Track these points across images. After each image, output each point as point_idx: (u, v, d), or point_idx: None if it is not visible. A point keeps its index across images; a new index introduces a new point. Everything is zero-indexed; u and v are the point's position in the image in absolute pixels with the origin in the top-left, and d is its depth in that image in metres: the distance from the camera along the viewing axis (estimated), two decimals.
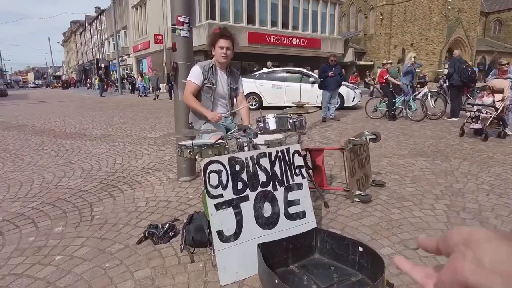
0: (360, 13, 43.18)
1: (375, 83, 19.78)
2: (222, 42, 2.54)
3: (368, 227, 2.46)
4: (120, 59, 29.86)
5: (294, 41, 25.61)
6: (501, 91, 5.63)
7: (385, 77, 8.24)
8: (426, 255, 2.07)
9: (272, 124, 2.19)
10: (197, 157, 2.13)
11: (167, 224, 2.42)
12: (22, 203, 3.12)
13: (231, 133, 2.21)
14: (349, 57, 33.04)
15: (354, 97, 10.64)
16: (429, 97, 8.50)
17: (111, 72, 37.49)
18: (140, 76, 21.56)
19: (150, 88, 19.70)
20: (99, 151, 5.15)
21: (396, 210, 2.75)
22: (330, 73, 8.11)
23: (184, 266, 2.03)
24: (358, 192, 2.91)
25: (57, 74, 71.23)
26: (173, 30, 3.17)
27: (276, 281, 1.53)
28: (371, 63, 40.12)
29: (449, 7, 34.27)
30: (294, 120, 2.26)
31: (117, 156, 4.80)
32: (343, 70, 8.75)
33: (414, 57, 8.45)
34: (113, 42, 36.47)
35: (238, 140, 2.06)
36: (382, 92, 8.52)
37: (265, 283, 1.70)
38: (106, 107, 13.33)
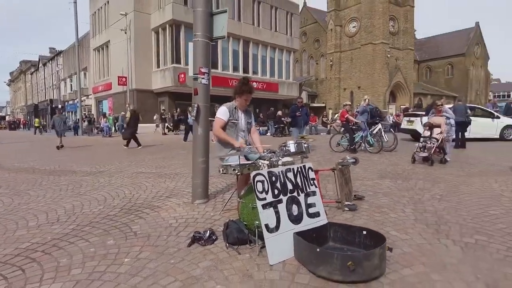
0: (311, 59, 47.14)
1: (331, 122, 21.73)
2: (249, 97, 3.39)
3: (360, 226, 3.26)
4: (77, 99, 29.49)
5: (254, 85, 26.84)
6: (439, 126, 7.03)
7: (345, 116, 9.55)
8: (406, 238, 2.90)
9: (292, 148, 2.99)
10: (237, 172, 2.85)
11: (209, 231, 3.02)
12: (60, 226, 3.49)
13: (263, 156, 2.96)
14: (304, 100, 35.63)
15: None
16: (383, 133, 9.90)
17: (66, 113, 36.41)
18: (103, 117, 21.53)
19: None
20: (101, 185, 5.53)
21: (377, 214, 3.61)
22: (297, 113, 9.26)
23: (234, 257, 2.64)
24: (347, 202, 3.74)
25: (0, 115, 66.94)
26: (195, 79, 3.94)
27: (318, 250, 2.24)
28: (323, 104, 43.38)
29: (389, 55, 38.98)
30: (306, 145, 3.09)
31: (123, 188, 5.24)
32: (309, 110, 9.97)
33: (368, 99, 9.96)
34: (70, 83, 36.04)
35: (271, 159, 2.82)
36: (343, 129, 9.78)
37: (306, 257, 2.38)
38: (75, 147, 13.28)
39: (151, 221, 3.59)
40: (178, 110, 22.64)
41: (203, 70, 3.91)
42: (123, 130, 14.12)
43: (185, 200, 4.40)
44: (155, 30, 24.02)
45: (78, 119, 24.88)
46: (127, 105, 23.62)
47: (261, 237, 2.62)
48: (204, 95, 4.00)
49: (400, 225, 3.26)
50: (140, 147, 12.12)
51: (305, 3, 47.86)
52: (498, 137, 12.48)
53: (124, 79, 23.77)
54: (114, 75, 25.43)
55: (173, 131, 22.09)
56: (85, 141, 17.36)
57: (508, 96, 50.85)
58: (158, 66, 24.18)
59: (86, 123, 23.14)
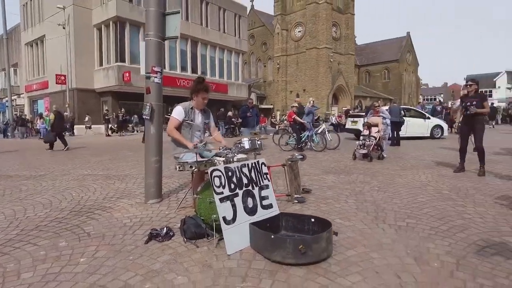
0: (259, 62, 47.96)
1: (279, 123, 22.42)
2: (205, 95, 3.47)
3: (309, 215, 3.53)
4: (6, 99, 26.87)
5: None
6: (377, 125, 7.72)
7: (293, 117, 10.00)
8: (348, 226, 3.22)
9: (247, 145, 3.17)
10: (194, 169, 2.95)
11: (165, 228, 3.08)
12: (1, 232, 3.29)
13: (219, 153, 3.09)
14: (253, 101, 36.18)
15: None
16: (326, 133, 10.53)
17: None
18: (40, 118, 19.91)
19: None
20: (44, 188, 5.22)
21: (323, 205, 3.93)
22: (248, 114, 9.50)
23: (193, 250, 2.74)
24: (296, 195, 4.02)
25: None
26: (148, 77, 3.94)
27: (272, 236, 2.44)
28: (271, 106, 44.38)
29: (332, 60, 41.11)
30: (259, 142, 3.28)
31: (70, 190, 5.01)
32: (259, 111, 10.27)
33: (313, 101, 10.52)
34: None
35: (227, 156, 2.96)
36: (291, 129, 10.23)
37: (261, 245, 2.57)
38: (6, 151, 12.16)
39: (104, 221, 3.53)
40: (123, 110, 21.74)
41: (155, 69, 3.93)
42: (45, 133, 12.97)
43: (137, 200, 4.35)
44: (98, 27, 22.77)
45: (8, 120, 22.71)
46: (66, 105, 22.13)
47: (218, 230, 2.76)
48: (157, 94, 4.02)
49: (344, 214, 3.60)
50: (66, 149, 11.47)
51: (252, 6, 48.62)
52: (429, 135, 13.91)
53: (63, 78, 22.21)
54: (51, 73, 23.60)
55: (117, 132, 21.14)
56: (18, 144, 15.90)
57: (435, 99, 56.54)
58: (101, 65, 22.96)
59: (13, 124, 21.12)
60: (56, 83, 22.23)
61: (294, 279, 2.22)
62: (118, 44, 21.81)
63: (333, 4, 42.49)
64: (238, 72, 31.51)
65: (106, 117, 20.48)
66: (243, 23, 31.91)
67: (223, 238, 2.71)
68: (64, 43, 21.97)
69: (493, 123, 23.28)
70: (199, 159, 3.16)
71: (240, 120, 12.96)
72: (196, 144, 3.31)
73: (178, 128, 3.52)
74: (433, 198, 4.23)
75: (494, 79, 56.08)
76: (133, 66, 22.04)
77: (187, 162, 2.97)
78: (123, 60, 22.02)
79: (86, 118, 21.64)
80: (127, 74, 21.31)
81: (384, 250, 2.67)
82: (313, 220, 2.86)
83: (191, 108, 3.55)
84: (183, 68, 26.14)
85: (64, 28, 21.79)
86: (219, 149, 3.20)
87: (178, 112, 3.49)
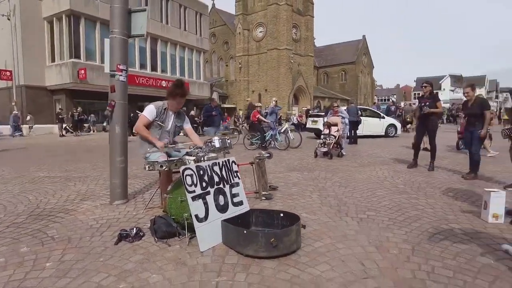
0: (221, 61, 47.75)
1: (242, 122, 22.53)
2: (182, 99, 3.45)
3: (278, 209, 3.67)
4: None
5: (164, 83, 26.48)
6: (336, 124, 8.09)
7: (257, 117, 10.15)
8: (314, 219, 3.40)
9: (217, 143, 3.23)
10: (165, 168, 2.95)
11: (135, 228, 3.05)
12: None
13: (190, 152, 3.12)
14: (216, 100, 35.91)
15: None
16: (289, 132, 10.80)
17: None
18: None
19: None
20: None
21: (290, 201, 4.10)
22: (213, 113, 9.50)
23: (165, 249, 2.75)
24: (264, 192, 4.14)
25: None
26: (113, 75, 3.85)
27: (245, 231, 2.53)
28: (234, 105, 44.37)
29: (292, 61, 41.99)
30: (229, 141, 3.36)
31: (26, 194, 4.73)
32: (222, 111, 10.29)
33: (275, 101, 10.75)
34: None
35: (198, 155, 3.00)
36: (256, 128, 10.38)
37: (234, 240, 2.65)
38: None
39: (68, 224, 3.41)
40: (79, 109, 20.67)
41: (121, 67, 3.85)
42: None
43: (102, 202, 4.24)
44: (49, 20, 21.38)
45: None
46: (13, 103, 20.55)
47: (189, 229, 2.79)
48: (122, 92, 3.94)
49: (309, 208, 3.79)
50: None
51: (214, 4, 48.22)
52: (384, 134, 14.75)
53: (8, 73, 20.59)
54: None
55: (72, 132, 20.06)
56: None
57: (388, 99, 59.81)
58: (53, 61, 21.61)
59: None
60: (1, 79, 20.57)
61: (267, 271, 2.33)
62: (72, 39, 20.65)
63: (293, 6, 43.34)
64: (199, 70, 31.18)
65: (60, 117, 19.32)
66: (204, 22, 31.61)
67: (194, 236, 2.76)
68: (10, 36, 20.39)
69: (440, 123, 25.17)
70: (168, 158, 3.16)
71: (202, 119, 12.87)
72: (166, 144, 3.30)
73: (148, 127, 3.48)
74: (390, 192, 4.57)
75: (440, 82, 60.58)
76: (89, 63, 21.05)
77: (157, 161, 2.97)
78: (78, 56, 20.90)
79: (28, 117, 20.20)
80: (83, 71, 20.27)
81: (348, 240, 2.86)
82: (282, 215, 2.99)
83: (165, 109, 3.51)
84: (142, 66, 25.39)
85: (9, 19, 20.22)
86: (190, 148, 3.23)
87: (149, 111, 3.45)
